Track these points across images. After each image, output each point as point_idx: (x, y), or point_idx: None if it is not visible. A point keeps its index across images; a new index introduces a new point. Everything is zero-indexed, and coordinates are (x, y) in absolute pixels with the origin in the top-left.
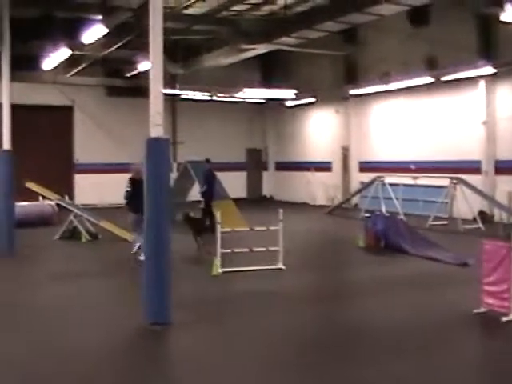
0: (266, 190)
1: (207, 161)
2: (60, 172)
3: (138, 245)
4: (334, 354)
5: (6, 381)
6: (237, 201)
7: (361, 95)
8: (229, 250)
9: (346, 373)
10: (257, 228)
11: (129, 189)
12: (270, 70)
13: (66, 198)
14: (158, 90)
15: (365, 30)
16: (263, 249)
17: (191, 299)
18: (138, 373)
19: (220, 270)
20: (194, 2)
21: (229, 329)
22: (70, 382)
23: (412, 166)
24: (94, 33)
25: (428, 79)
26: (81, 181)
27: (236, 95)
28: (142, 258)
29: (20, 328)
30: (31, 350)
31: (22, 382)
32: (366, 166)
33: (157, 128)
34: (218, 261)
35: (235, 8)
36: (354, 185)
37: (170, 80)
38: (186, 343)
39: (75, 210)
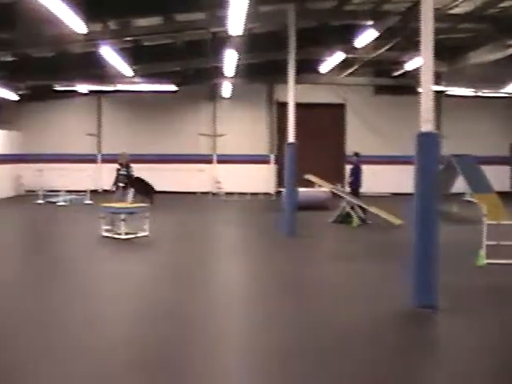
0: None
1: (356, 154)
2: (333, 162)
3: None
4: None
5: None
6: (500, 194)
7: None
8: (494, 242)
9: None
10: None
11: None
12: None
13: (339, 186)
14: (428, 87)
15: None
16: None
17: (456, 287)
18: (405, 350)
19: (485, 261)
20: (461, 2)
21: (494, 320)
22: (329, 352)
23: None
24: (365, 37)
25: None
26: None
27: (502, 91)
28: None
29: (298, 299)
30: (305, 318)
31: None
32: None
33: (427, 123)
34: (483, 252)
35: (502, 5)
36: None
37: (435, 77)
38: (452, 328)
39: (347, 197)
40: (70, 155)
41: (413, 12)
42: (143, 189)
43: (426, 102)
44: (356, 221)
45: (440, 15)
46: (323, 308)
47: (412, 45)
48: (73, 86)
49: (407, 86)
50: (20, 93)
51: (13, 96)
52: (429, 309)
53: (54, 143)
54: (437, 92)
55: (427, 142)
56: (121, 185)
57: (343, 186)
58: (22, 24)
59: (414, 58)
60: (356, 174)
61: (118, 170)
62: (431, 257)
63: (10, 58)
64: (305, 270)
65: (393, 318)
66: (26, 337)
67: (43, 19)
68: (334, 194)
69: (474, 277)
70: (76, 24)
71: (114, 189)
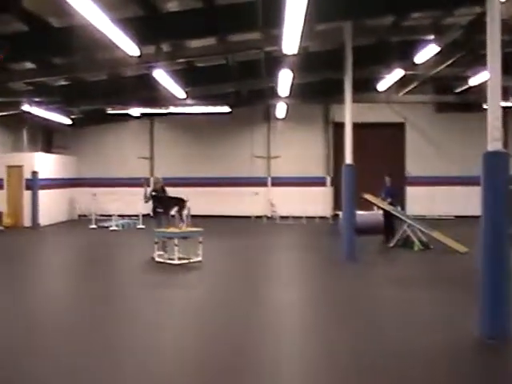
0: None
1: (389, 175)
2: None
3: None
4: None
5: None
6: None
7: None
8: None
9: None
10: None
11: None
12: None
13: (399, 208)
14: (496, 104)
15: None
16: None
17: None
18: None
19: None
20: None
21: None
22: None
23: None
24: (425, 53)
25: None
26: (412, 192)
27: None
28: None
29: (358, 325)
30: (361, 341)
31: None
32: None
33: (495, 142)
34: None
35: None
36: None
37: (502, 92)
38: None
39: (408, 220)
40: (122, 179)
41: (477, 24)
42: (173, 203)
43: (494, 119)
44: (418, 244)
45: (506, 27)
46: (386, 336)
47: (476, 59)
48: (126, 109)
49: (471, 103)
50: (73, 117)
51: (66, 120)
52: (499, 339)
53: (107, 167)
54: (504, 108)
55: (495, 162)
56: (159, 210)
57: (403, 208)
58: (76, 49)
59: (478, 72)
60: (392, 195)
61: (153, 196)
62: (502, 283)
63: (64, 83)
64: (365, 296)
65: (461, 348)
66: (90, 366)
67: (97, 44)
68: (390, 214)
69: None
70: (129, 47)
71: (152, 214)
